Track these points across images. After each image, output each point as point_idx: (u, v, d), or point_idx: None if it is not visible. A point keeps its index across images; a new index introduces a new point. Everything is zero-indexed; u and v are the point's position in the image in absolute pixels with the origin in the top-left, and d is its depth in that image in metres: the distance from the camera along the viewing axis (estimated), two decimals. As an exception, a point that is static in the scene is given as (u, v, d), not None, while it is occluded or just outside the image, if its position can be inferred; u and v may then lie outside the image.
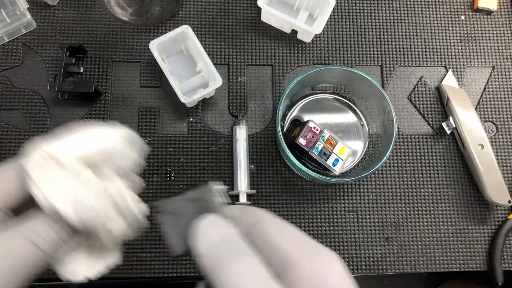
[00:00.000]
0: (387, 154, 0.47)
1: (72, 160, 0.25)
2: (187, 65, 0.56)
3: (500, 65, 0.60)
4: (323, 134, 0.51)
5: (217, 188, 0.26)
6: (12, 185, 0.25)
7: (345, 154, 0.51)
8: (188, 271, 0.51)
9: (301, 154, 0.52)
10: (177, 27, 0.53)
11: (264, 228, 0.23)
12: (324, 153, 0.50)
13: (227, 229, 0.23)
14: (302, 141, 0.50)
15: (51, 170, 0.25)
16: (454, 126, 0.54)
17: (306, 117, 0.55)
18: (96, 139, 0.27)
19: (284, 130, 0.54)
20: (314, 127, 0.51)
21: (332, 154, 0.51)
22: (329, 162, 0.50)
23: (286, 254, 0.21)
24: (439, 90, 0.58)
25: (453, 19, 0.61)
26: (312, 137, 0.51)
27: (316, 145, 0.50)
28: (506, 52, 0.60)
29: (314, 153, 0.50)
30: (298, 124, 0.54)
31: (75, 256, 0.28)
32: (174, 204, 0.26)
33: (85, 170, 0.25)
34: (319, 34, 0.57)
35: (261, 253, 0.22)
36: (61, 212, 0.24)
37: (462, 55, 0.60)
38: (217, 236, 0.22)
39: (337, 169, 0.51)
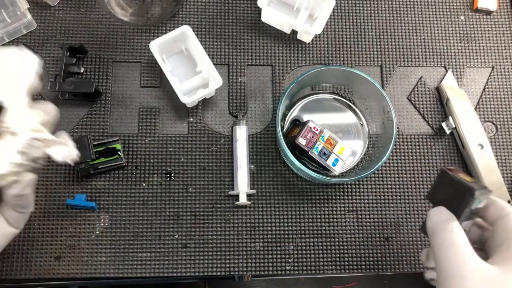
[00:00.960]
0: (387, 154, 0.47)
1: None
2: (187, 65, 0.56)
3: (500, 65, 0.60)
4: (323, 134, 0.51)
5: (479, 195, 0.36)
6: None
7: (345, 154, 0.51)
8: (188, 271, 0.51)
9: (301, 154, 0.52)
10: (177, 27, 0.53)
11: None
12: (324, 153, 0.51)
13: (445, 215, 0.36)
14: (302, 141, 0.50)
15: None
16: (454, 126, 0.54)
17: (306, 117, 0.55)
18: None
19: (284, 130, 0.54)
20: (314, 127, 0.51)
21: (332, 154, 0.51)
22: (329, 162, 0.51)
23: None
24: (438, 90, 0.58)
25: (452, 19, 0.61)
26: (312, 137, 0.51)
27: (316, 145, 0.50)
28: (505, 52, 0.60)
29: (314, 153, 0.50)
30: (298, 124, 0.54)
31: None
32: (447, 177, 0.38)
33: None
34: (319, 34, 0.57)
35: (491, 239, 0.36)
36: None
37: (461, 55, 0.60)
38: (437, 218, 0.36)
39: (337, 169, 0.51)
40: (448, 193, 0.37)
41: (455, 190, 0.36)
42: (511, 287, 0.30)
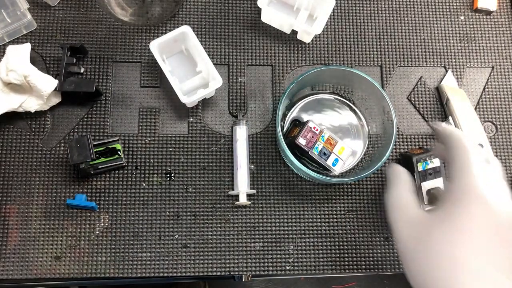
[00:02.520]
0: (386, 154, 0.47)
1: None
2: (187, 65, 0.56)
3: (500, 65, 0.60)
4: (323, 134, 0.51)
5: (418, 159, 0.50)
6: None
7: (345, 154, 0.51)
8: (188, 271, 0.51)
9: (301, 154, 0.52)
10: (177, 27, 0.53)
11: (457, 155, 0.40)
12: (324, 153, 0.51)
13: (398, 169, 0.45)
14: (302, 141, 0.50)
15: None
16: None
17: (306, 117, 0.55)
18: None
19: (284, 130, 0.54)
20: (314, 127, 0.51)
21: (332, 154, 0.51)
22: (329, 162, 0.51)
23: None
24: (438, 90, 0.58)
25: (452, 19, 0.61)
26: (312, 137, 0.51)
27: (316, 145, 0.50)
28: (505, 52, 0.60)
29: (314, 153, 0.50)
30: (298, 124, 0.54)
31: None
32: (403, 156, 0.54)
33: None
34: (319, 34, 0.57)
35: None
36: None
37: (461, 55, 0.60)
38: (389, 173, 0.46)
39: (337, 169, 0.51)
40: (407, 167, 0.48)
41: (408, 162, 0.50)
42: (423, 226, 0.39)
